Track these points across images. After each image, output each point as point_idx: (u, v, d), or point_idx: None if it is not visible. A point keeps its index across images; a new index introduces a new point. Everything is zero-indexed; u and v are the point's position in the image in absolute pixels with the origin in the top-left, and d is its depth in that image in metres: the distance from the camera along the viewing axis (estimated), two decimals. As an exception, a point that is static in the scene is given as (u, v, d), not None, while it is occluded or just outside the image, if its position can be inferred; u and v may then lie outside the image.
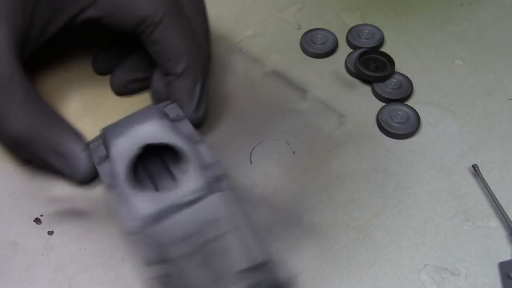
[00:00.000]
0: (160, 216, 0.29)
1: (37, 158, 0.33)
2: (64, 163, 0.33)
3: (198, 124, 0.36)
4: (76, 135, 0.33)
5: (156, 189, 0.33)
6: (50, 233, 0.33)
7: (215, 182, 0.30)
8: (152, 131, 0.32)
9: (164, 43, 0.34)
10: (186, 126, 0.33)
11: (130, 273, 0.31)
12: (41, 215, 0.33)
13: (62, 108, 0.38)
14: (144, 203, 0.30)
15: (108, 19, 0.34)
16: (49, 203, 0.34)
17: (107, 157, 0.32)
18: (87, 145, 0.33)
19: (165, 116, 0.33)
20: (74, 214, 0.34)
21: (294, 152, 0.37)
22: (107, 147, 0.32)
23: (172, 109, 0.34)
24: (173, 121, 0.33)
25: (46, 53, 0.41)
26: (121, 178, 0.30)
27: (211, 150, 0.31)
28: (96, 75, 0.40)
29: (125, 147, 0.31)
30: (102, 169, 0.32)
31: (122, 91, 0.39)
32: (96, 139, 0.34)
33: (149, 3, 0.33)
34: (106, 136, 0.32)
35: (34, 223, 0.33)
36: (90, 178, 0.34)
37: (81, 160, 0.33)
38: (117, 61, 0.39)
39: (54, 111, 0.33)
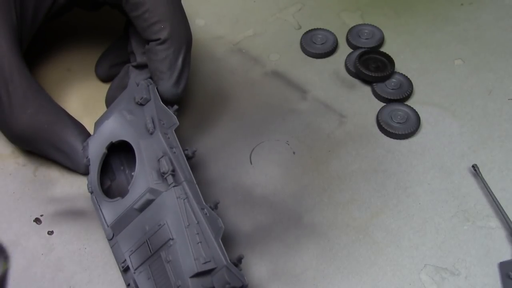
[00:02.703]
0: (119, 224, 0.29)
1: (40, 152, 0.34)
2: (66, 158, 0.33)
3: (177, 101, 0.34)
4: (77, 129, 0.33)
5: (128, 180, 0.33)
6: (50, 233, 0.33)
7: (164, 180, 0.28)
8: (112, 127, 0.31)
9: (147, 5, 0.32)
10: (151, 110, 0.31)
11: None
12: (41, 215, 0.33)
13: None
14: (108, 211, 0.30)
15: None
16: (49, 203, 0.34)
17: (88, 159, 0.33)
18: (87, 141, 0.33)
19: (129, 103, 0.32)
20: (74, 214, 0.34)
21: (294, 152, 0.37)
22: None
23: (141, 90, 0.32)
24: (138, 104, 0.32)
25: (44, 50, 0.41)
26: (94, 184, 0.31)
27: (166, 137, 0.30)
28: (96, 76, 0.40)
29: (95, 150, 0.32)
30: (89, 172, 0.32)
31: (107, 75, 0.39)
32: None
33: None
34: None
35: (34, 223, 0.33)
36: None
37: (81, 156, 0.33)
38: (120, 68, 0.39)
39: (55, 105, 0.33)
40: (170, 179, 0.28)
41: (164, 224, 0.27)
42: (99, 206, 0.31)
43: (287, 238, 0.33)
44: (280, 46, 0.44)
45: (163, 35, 0.33)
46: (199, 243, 0.26)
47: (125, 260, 0.28)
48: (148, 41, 0.34)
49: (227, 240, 0.33)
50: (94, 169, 0.31)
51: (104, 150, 0.31)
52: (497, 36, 0.45)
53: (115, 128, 0.31)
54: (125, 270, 0.29)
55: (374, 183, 0.36)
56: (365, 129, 0.39)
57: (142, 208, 0.28)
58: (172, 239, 0.26)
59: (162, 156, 0.28)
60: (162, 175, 0.28)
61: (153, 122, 0.30)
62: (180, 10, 0.34)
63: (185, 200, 0.27)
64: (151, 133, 0.30)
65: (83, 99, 0.39)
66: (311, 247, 0.33)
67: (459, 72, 0.42)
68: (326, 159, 0.37)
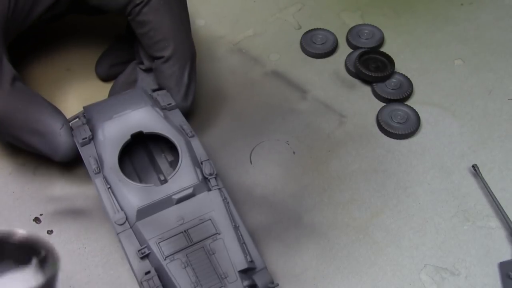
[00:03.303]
0: (148, 210, 0.28)
1: (16, 140, 0.32)
2: (44, 142, 0.31)
3: (187, 114, 0.35)
4: (55, 111, 0.32)
5: (140, 180, 0.32)
6: (50, 232, 0.33)
7: (207, 180, 0.30)
8: (145, 118, 0.31)
9: (152, 24, 0.33)
10: (178, 117, 0.33)
11: (130, 272, 0.31)
12: (41, 215, 0.33)
13: (62, 108, 0.38)
14: (133, 195, 0.29)
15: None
16: (48, 203, 0.34)
17: (91, 139, 0.31)
18: (66, 122, 0.31)
19: (156, 103, 0.33)
20: (73, 213, 0.34)
21: (294, 152, 0.37)
22: (93, 128, 0.31)
23: (163, 96, 0.33)
24: (163, 109, 0.32)
25: (44, 50, 0.41)
26: (107, 165, 0.29)
27: (202, 146, 0.31)
28: (95, 76, 0.40)
29: (115, 133, 0.30)
30: (86, 152, 0.30)
31: (106, 75, 0.39)
32: (77, 116, 0.32)
33: None
34: (91, 117, 0.31)
35: (34, 222, 0.33)
36: (70, 158, 0.32)
37: (60, 136, 0.31)
38: (120, 68, 0.39)
39: (31, 90, 0.32)
40: (213, 181, 0.30)
41: (209, 219, 0.28)
42: (111, 186, 0.29)
43: (287, 238, 0.33)
44: (280, 46, 0.44)
45: (166, 53, 0.34)
46: (244, 244, 0.28)
47: (146, 246, 0.28)
48: (153, 58, 0.35)
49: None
50: (113, 152, 0.30)
51: (128, 137, 0.31)
52: (497, 36, 0.45)
53: (148, 120, 0.31)
54: (143, 257, 0.28)
55: (374, 183, 0.36)
56: (365, 129, 0.39)
57: (181, 200, 0.29)
58: (219, 234, 0.28)
59: (207, 160, 0.30)
60: (204, 177, 0.30)
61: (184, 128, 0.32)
62: (184, 27, 0.35)
63: (228, 203, 0.30)
64: (190, 137, 0.31)
65: (82, 98, 0.39)
66: (311, 247, 0.33)
67: (459, 72, 0.42)
68: (326, 159, 0.37)
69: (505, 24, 0.45)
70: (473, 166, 0.36)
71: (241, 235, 0.29)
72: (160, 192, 0.29)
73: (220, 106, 0.39)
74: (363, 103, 0.40)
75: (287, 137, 0.38)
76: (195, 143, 0.31)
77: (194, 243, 0.28)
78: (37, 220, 0.33)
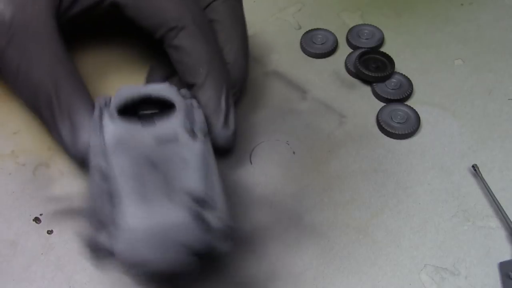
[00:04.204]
0: (128, 141, 0.28)
1: (48, 116, 0.32)
2: (70, 130, 0.31)
3: (230, 147, 0.34)
4: (92, 106, 0.32)
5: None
6: (50, 232, 0.33)
7: (193, 136, 0.29)
8: (160, 89, 0.31)
9: (186, 49, 0.33)
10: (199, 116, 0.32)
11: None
12: (41, 214, 0.33)
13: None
14: (118, 125, 0.28)
15: (133, 10, 0.34)
16: (48, 202, 0.34)
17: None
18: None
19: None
20: (73, 213, 0.34)
21: (294, 152, 0.37)
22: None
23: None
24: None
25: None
26: (110, 107, 0.30)
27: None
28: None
29: (126, 92, 0.31)
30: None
31: None
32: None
33: (176, 7, 0.33)
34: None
35: (34, 222, 0.33)
36: (82, 158, 0.31)
37: (85, 132, 0.31)
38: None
39: (79, 76, 0.33)
40: (201, 136, 0.29)
41: (184, 158, 0.27)
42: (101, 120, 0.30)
43: (287, 238, 0.33)
44: (280, 46, 0.44)
45: (200, 78, 0.33)
46: (210, 186, 0.27)
47: (107, 165, 0.27)
48: (188, 86, 0.34)
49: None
50: (118, 99, 0.30)
51: (139, 96, 0.31)
52: (497, 36, 0.45)
53: (163, 90, 0.31)
54: (105, 177, 0.27)
55: (374, 183, 0.36)
56: (365, 129, 0.39)
57: (161, 142, 0.28)
58: (186, 167, 0.27)
59: (204, 121, 0.30)
60: (193, 131, 0.29)
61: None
62: (217, 53, 0.34)
63: (209, 156, 0.28)
64: (194, 107, 0.31)
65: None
66: (311, 247, 0.33)
67: (459, 72, 0.42)
68: (326, 159, 0.37)
69: (505, 24, 0.45)
70: (473, 166, 0.36)
71: (212, 181, 0.27)
72: (143, 129, 0.28)
73: (220, 106, 0.39)
74: (363, 103, 0.40)
75: (287, 137, 0.38)
76: (198, 112, 0.31)
77: (157, 169, 0.27)
78: (37, 220, 0.33)
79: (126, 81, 0.40)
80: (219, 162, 0.36)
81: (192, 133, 0.29)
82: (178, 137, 0.28)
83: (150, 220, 0.24)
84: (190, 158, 0.27)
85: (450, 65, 0.43)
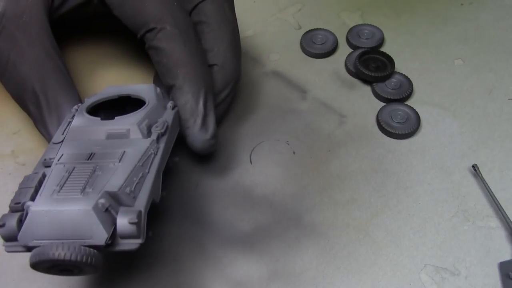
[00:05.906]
0: (80, 132, 0.29)
1: (35, 110, 0.32)
2: (58, 125, 0.32)
3: (209, 151, 0.33)
4: (79, 102, 0.33)
5: None
6: (50, 232, 0.33)
7: (148, 134, 0.29)
8: (139, 90, 0.32)
9: (164, 51, 0.33)
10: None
11: (130, 272, 0.31)
12: (41, 215, 0.33)
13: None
14: (79, 123, 0.30)
15: (118, 9, 0.34)
16: (48, 203, 0.34)
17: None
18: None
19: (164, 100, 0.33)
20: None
21: (294, 152, 0.37)
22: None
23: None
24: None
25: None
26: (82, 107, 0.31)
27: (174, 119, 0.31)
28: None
29: (107, 90, 0.32)
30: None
31: None
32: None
33: (156, 8, 0.33)
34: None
35: (34, 222, 0.33)
36: None
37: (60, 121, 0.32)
38: None
39: (67, 72, 0.33)
40: (154, 135, 0.29)
41: (123, 152, 0.28)
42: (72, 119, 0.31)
43: (287, 238, 0.33)
44: (280, 46, 0.44)
45: (177, 81, 0.32)
46: (137, 183, 0.26)
47: (55, 158, 0.28)
48: (167, 88, 0.34)
49: (226, 239, 0.33)
50: (94, 99, 0.32)
51: (116, 96, 0.32)
52: (497, 36, 0.45)
53: (141, 91, 0.32)
54: (46, 165, 0.28)
55: (374, 183, 0.36)
56: (365, 129, 0.39)
57: (112, 136, 0.29)
58: (118, 162, 0.27)
59: (165, 122, 0.30)
60: (150, 130, 0.29)
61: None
62: (197, 55, 0.34)
63: (153, 154, 0.28)
64: (167, 108, 0.32)
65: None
66: (311, 247, 0.33)
67: (459, 72, 0.42)
68: (326, 159, 0.37)
69: (505, 24, 0.45)
70: (473, 166, 0.36)
71: (142, 177, 0.27)
72: (99, 124, 0.29)
73: (220, 106, 0.39)
74: (363, 103, 0.40)
75: (287, 137, 0.38)
76: (168, 113, 0.31)
77: (89, 159, 0.27)
78: (37, 220, 0.33)
79: (116, 78, 0.40)
80: (218, 163, 0.37)
81: (147, 131, 0.29)
82: (129, 134, 0.29)
83: (52, 207, 0.25)
84: (129, 154, 0.28)
85: (450, 65, 0.43)
